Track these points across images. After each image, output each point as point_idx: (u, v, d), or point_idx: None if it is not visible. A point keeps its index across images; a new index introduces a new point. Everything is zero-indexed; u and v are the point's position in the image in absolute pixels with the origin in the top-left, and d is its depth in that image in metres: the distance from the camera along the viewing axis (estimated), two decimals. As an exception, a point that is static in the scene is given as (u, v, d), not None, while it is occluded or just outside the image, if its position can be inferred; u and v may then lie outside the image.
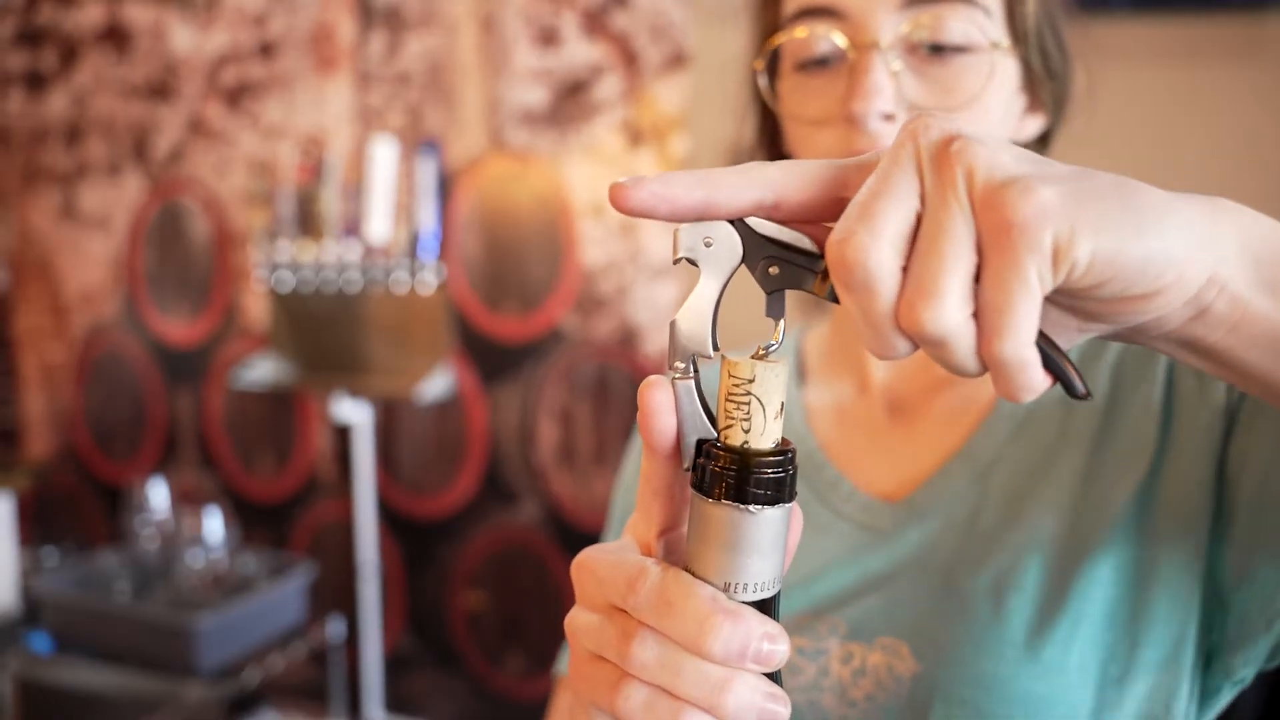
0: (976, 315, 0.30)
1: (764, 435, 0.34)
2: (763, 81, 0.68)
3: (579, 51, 2.34)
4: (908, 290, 0.30)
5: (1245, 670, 0.56)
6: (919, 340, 0.31)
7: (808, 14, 0.63)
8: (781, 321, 0.36)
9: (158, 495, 2.30)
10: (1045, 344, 0.31)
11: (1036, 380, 0.31)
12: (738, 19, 0.77)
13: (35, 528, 3.01)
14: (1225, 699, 0.58)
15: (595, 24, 2.32)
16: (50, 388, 3.04)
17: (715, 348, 0.36)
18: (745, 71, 0.74)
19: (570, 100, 2.35)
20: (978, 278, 0.30)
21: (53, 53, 2.91)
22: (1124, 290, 0.30)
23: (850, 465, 0.69)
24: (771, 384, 0.34)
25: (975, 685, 0.57)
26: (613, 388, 2.39)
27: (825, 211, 0.35)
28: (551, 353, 2.43)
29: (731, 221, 0.35)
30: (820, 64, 0.64)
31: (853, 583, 0.64)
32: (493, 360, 2.49)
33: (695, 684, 0.34)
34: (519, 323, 2.46)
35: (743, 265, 0.36)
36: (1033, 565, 0.59)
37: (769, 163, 0.35)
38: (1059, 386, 0.31)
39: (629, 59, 2.30)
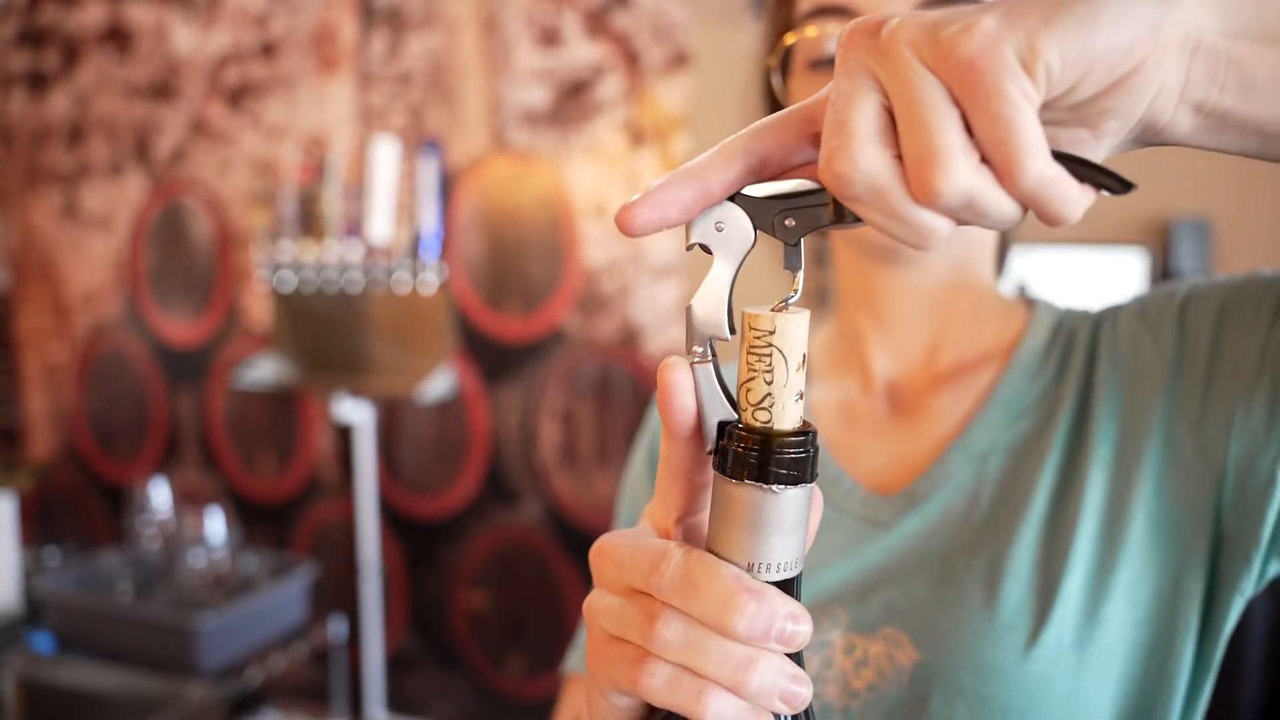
0: (987, 161, 0.30)
1: (787, 387, 0.34)
2: (776, 80, 0.69)
3: (580, 51, 2.34)
4: (911, 169, 0.30)
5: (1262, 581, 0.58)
6: (946, 209, 0.31)
7: (821, 13, 0.64)
8: (799, 273, 0.35)
9: (159, 495, 2.31)
10: (1067, 161, 0.30)
11: (1073, 191, 0.30)
12: (739, 19, 0.77)
13: (37, 527, 3.01)
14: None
15: (597, 24, 2.32)
16: (52, 388, 3.04)
17: (732, 330, 0.36)
18: (756, 70, 0.75)
19: (572, 100, 2.36)
20: (970, 134, 0.30)
21: (55, 53, 2.91)
22: (1109, 74, 0.30)
23: (852, 461, 0.70)
24: (792, 335, 0.34)
25: (974, 672, 0.57)
26: (614, 388, 2.39)
27: (807, 151, 0.35)
28: (553, 353, 2.43)
29: (732, 197, 0.35)
30: (832, 63, 0.64)
31: (854, 575, 0.64)
32: (494, 360, 2.49)
33: (719, 663, 0.35)
34: (521, 323, 2.46)
35: (753, 248, 0.36)
36: (1025, 550, 0.60)
37: (739, 132, 0.35)
38: (1102, 194, 0.31)
39: (630, 59, 2.30)
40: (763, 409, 0.35)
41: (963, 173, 0.30)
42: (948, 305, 0.70)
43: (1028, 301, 0.72)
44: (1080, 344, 0.66)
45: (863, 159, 0.30)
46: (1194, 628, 0.57)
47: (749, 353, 0.35)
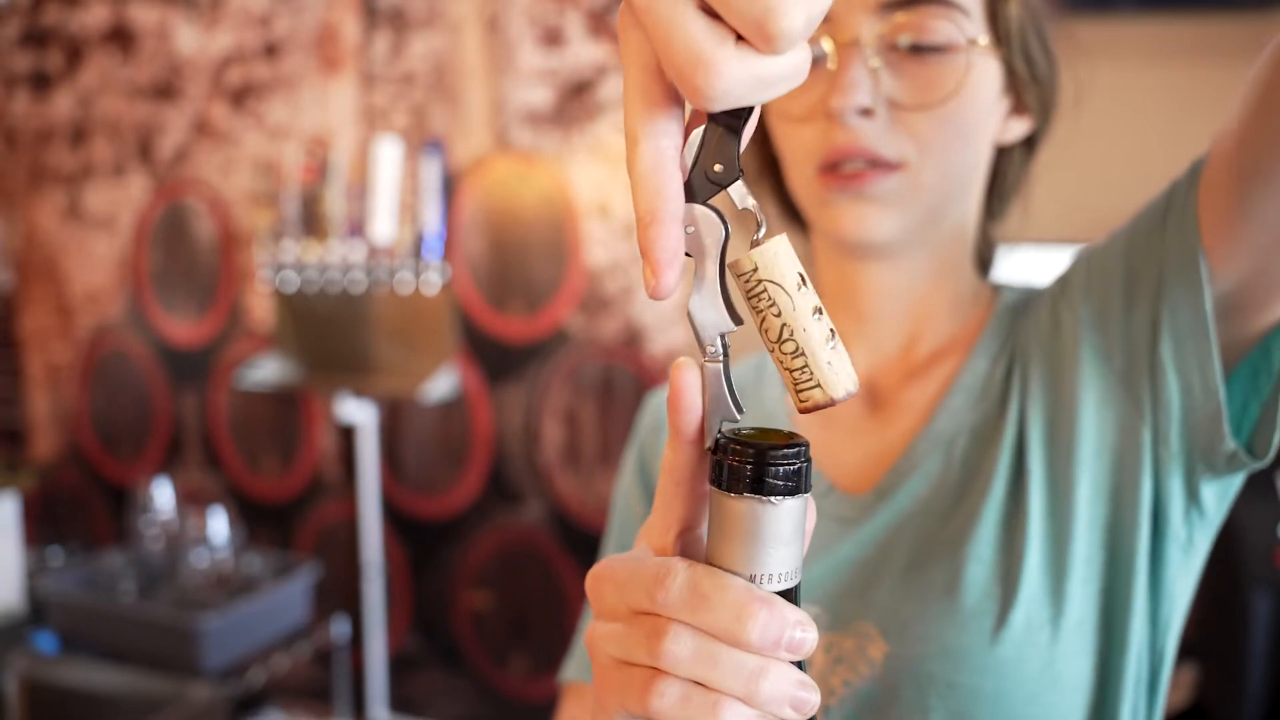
0: None
1: (797, 311, 0.34)
2: None
3: (583, 51, 2.34)
4: (756, 39, 0.30)
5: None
6: (806, 32, 0.30)
7: None
8: (755, 206, 0.35)
9: (163, 495, 2.31)
10: None
11: None
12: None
13: (41, 527, 3.01)
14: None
15: (599, 24, 2.32)
16: (56, 388, 3.05)
17: (738, 320, 0.36)
18: None
19: (575, 100, 2.35)
20: None
21: (58, 53, 2.92)
22: None
23: (829, 461, 0.70)
24: (776, 262, 0.34)
25: (943, 659, 0.58)
26: (618, 388, 2.39)
27: (680, 95, 0.35)
28: (556, 353, 2.43)
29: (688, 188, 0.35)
30: (825, 60, 0.65)
31: (830, 574, 0.65)
32: (497, 360, 2.49)
33: (732, 674, 0.35)
34: (524, 323, 2.46)
35: (729, 237, 0.36)
36: (988, 533, 0.61)
37: (635, 143, 0.34)
38: None
39: (633, 59, 2.30)
40: (788, 340, 0.35)
41: (796, 11, 0.29)
42: (927, 301, 0.70)
43: (994, 287, 0.73)
44: (1029, 319, 0.67)
45: (726, 70, 0.30)
46: (1145, 589, 0.58)
47: (747, 298, 0.35)
